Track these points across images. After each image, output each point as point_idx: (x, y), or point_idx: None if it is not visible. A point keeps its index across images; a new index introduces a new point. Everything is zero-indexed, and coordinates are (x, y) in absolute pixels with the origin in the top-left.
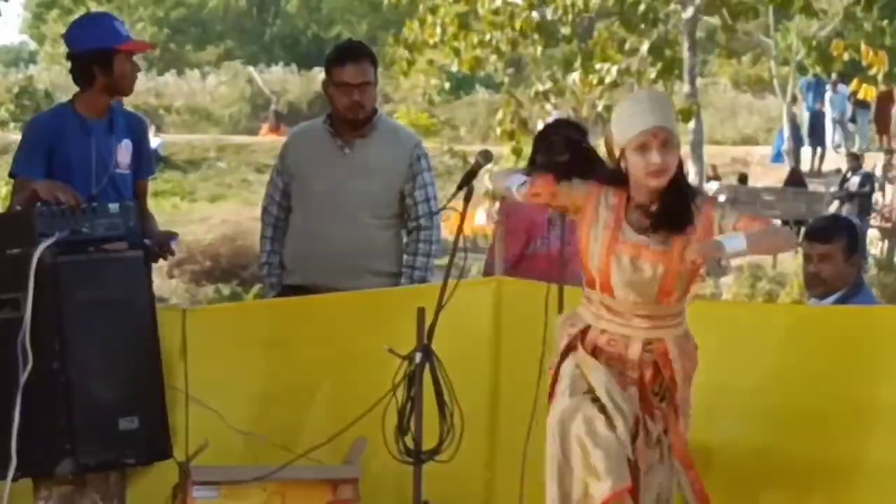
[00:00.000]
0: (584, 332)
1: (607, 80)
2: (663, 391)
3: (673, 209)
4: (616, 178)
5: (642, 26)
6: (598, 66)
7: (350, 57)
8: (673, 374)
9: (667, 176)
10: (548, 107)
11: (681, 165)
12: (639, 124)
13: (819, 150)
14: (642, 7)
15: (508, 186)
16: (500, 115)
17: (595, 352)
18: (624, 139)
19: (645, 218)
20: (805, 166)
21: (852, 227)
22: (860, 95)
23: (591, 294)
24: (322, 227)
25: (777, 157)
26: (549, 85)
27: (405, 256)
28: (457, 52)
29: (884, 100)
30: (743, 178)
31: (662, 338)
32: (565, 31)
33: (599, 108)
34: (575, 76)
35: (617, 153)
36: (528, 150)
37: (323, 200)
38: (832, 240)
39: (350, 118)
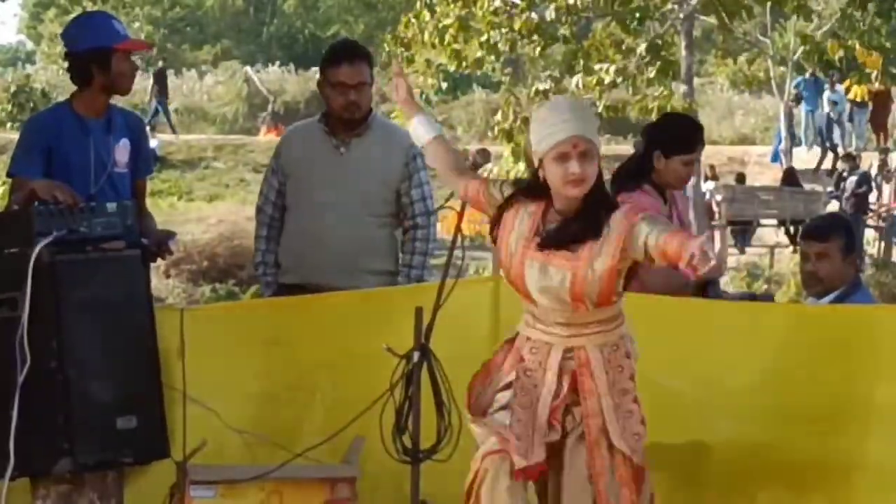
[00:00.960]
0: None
1: (606, 80)
2: (579, 400)
3: (589, 224)
4: (535, 188)
5: (635, 26)
6: (596, 66)
7: (346, 57)
8: (594, 383)
9: (586, 185)
10: None
11: (600, 175)
12: (558, 133)
13: (816, 149)
14: (636, 4)
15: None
16: (499, 115)
17: (521, 359)
18: (543, 148)
19: (566, 233)
20: (801, 166)
21: (849, 226)
22: (851, 95)
23: (523, 304)
24: (319, 226)
25: (776, 158)
26: (549, 84)
27: (402, 255)
28: (456, 54)
29: (880, 99)
30: (741, 178)
31: (583, 345)
32: (564, 31)
33: (599, 109)
34: (578, 78)
35: (536, 162)
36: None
37: (319, 200)
38: (829, 238)
39: (346, 118)
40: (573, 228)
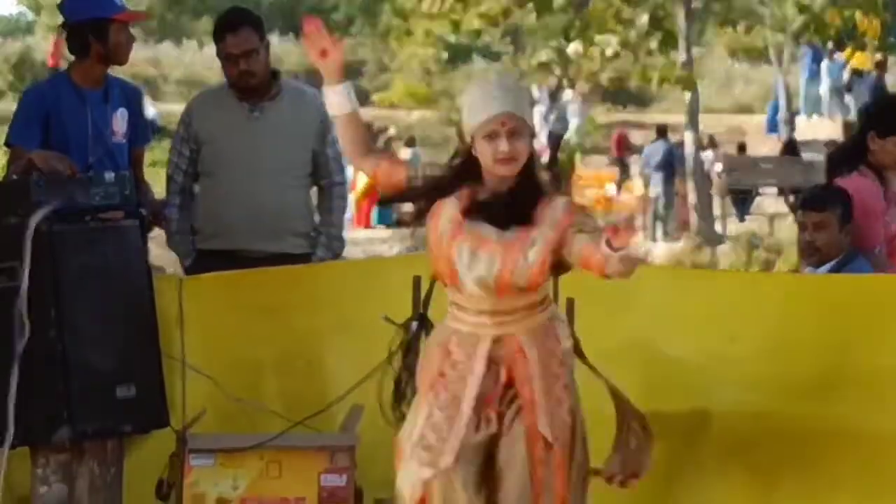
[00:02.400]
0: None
1: (608, 52)
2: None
3: (518, 202)
4: (467, 168)
5: None
6: (597, 37)
7: (229, 28)
8: (528, 370)
9: (516, 164)
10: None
11: (532, 156)
12: (487, 111)
13: (815, 118)
14: None
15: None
16: None
17: (447, 353)
18: (473, 126)
19: (492, 208)
20: (800, 135)
21: (846, 195)
22: (852, 64)
23: (448, 295)
24: (242, 191)
25: (773, 128)
26: (552, 55)
27: (321, 214)
28: (455, 25)
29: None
30: (742, 147)
31: (512, 332)
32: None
33: (602, 81)
34: (574, 46)
35: (468, 139)
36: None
37: (240, 165)
38: (826, 208)
39: (242, 87)
40: (504, 202)
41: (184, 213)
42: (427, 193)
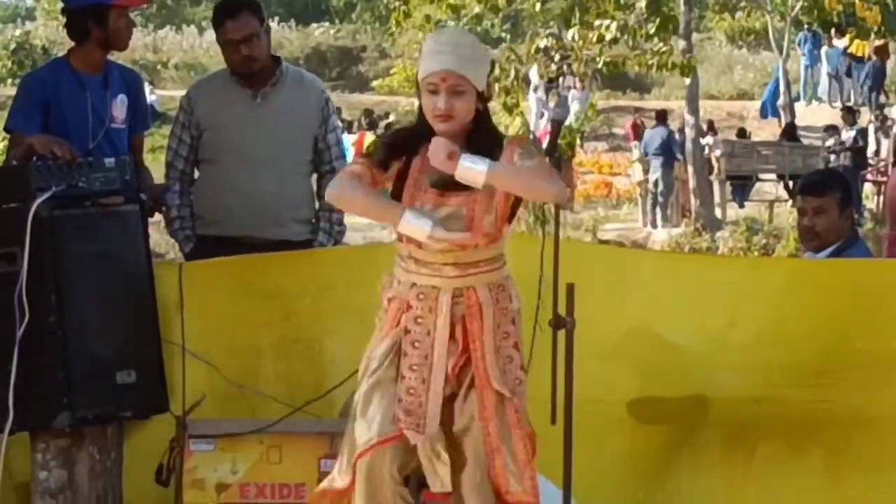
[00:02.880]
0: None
1: (607, 36)
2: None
3: (475, 151)
4: (420, 124)
5: None
6: (596, 21)
7: (228, 14)
8: (482, 324)
9: (453, 122)
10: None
11: (483, 113)
12: (431, 65)
13: (814, 104)
14: None
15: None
16: (497, 70)
17: (407, 308)
18: (420, 76)
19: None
20: (800, 121)
21: (846, 180)
22: (852, 50)
23: (401, 248)
24: (244, 177)
25: (773, 112)
26: (550, 41)
27: (322, 201)
28: (455, 10)
29: (880, 53)
30: (742, 133)
31: (472, 285)
32: None
33: (600, 65)
34: (574, 32)
35: (419, 92)
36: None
37: (242, 151)
38: (826, 193)
39: (244, 73)
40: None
41: (184, 199)
42: (390, 147)
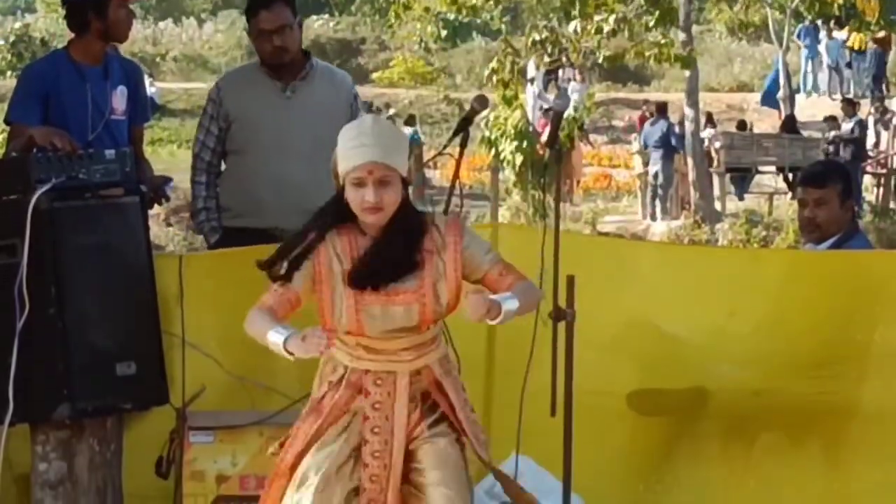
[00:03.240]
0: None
1: (605, 28)
2: (439, 416)
3: (401, 257)
4: (338, 214)
5: None
6: (595, 15)
7: (263, 4)
8: (448, 398)
9: (383, 214)
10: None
11: (406, 201)
12: (356, 157)
13: (814, 96)
14: None
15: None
16: (494, 62)
17: (364, 394)
18: (342, 170)
19: (380, 275)
20: (799, 113)
21: (846, 172)
22: (850, 43)
23: (347, 339)
24: (272, 169)
25: (773, 103)
26: (546, 34)
27: None
28: (454, 2)
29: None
30: (742, 125)
31: (427, 364)
32: None
33: (599, 59)
34: (574, 25)
35: (339, 183)
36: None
37: (270, 143)
38: (827, 184)
39: (275, 63)
40: (389, 261)
41: (210, 190)
42: (301, 244)
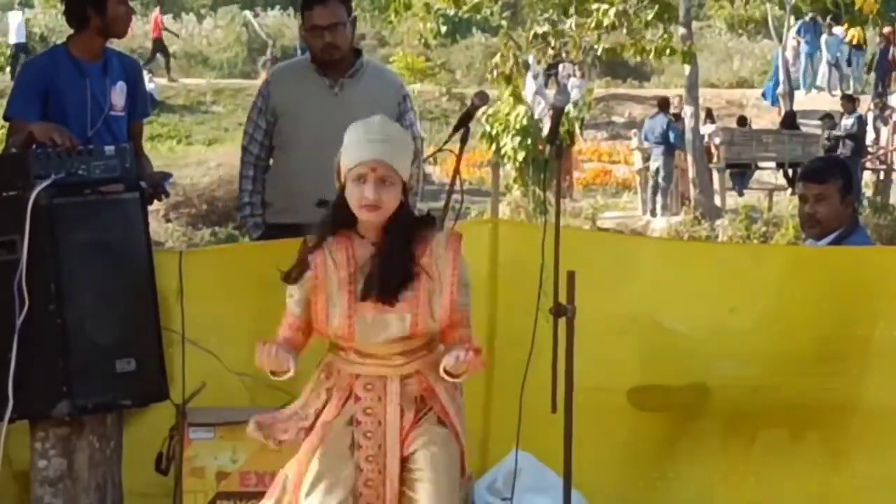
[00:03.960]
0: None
1: (605, 22)
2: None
3: (396, 269)
4: (337, 218)
5: None
6: (594, 6)
7: (318, 0)
8: (442, 404)
9: (381, 213)
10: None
11: (403, 207)
12: (362, 154)
13: (814, 92)
14: None
15: None
16: (497, 58)
17: (354, 399)
18: (345, 166)
19: (379, 286)
20: (799, 108)
21: (847, 167)
22: (848, 38)
23: (340, 342)
24: (315, 165)
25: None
26: (546, 28)
27: None
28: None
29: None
30: (742, 121)
31: (419, 369)
32: None
33: (599, 52)
34: (573, 20)
35: (342, 179)
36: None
37: (316, 140)
38: (827, 180)
39: (326, 60)
40: (395, 273)
41: (256, 185)
42: (302, 255)
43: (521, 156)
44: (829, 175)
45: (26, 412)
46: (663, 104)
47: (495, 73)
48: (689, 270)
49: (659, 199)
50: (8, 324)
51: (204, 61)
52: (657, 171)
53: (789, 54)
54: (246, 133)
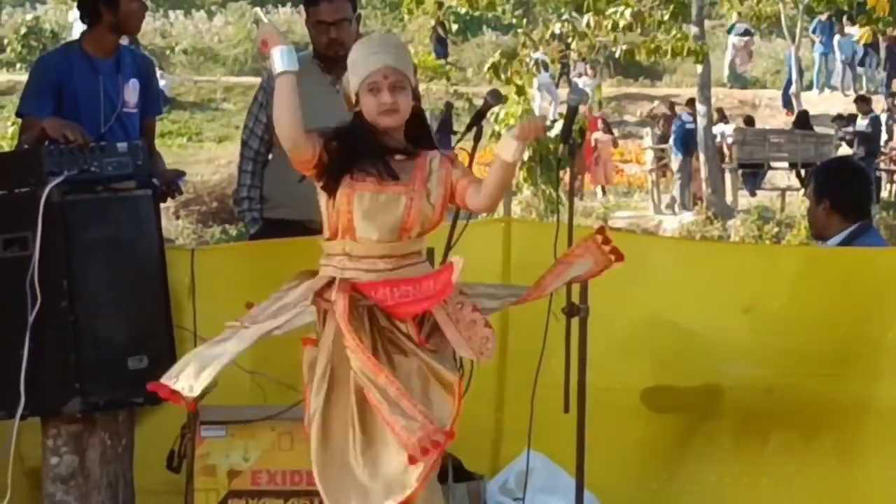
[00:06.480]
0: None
1: (621, 23)
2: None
3: (415, 134)
4: (356, 131)
5: None
6: (610, 9)
7: None
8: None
9: (399, 116)
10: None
11: (419, 114)
12: (370, 65)
13: (827, 92)
14: None
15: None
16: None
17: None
18: (356, 82)
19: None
20: (812, 109)
21: (820, 170)
22: (857, 38)
23: (331, 247)
24: None
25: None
26: (564, 27)
27: None
28: None
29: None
30: (749, 121)
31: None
32: None
33: (617, 54)
34: (588, 19)
35: (353, 100)
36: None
37: None
38: (809, 184)
39: (330, 56)
40: (394, 144)
41: (255, 180)
42: (334, 169)
43: (526, 155)
44: (810, 179)
45: (38, 409)
46: (688, 104)
47: (510, 72)
48: (703, 271)
49: (672, 198)
50: (20, 320)
51: (214, 58)
52: (678, 170)
53: (803, 53)
54: (246, 127)
